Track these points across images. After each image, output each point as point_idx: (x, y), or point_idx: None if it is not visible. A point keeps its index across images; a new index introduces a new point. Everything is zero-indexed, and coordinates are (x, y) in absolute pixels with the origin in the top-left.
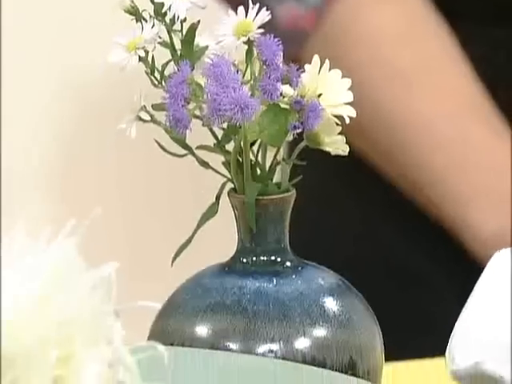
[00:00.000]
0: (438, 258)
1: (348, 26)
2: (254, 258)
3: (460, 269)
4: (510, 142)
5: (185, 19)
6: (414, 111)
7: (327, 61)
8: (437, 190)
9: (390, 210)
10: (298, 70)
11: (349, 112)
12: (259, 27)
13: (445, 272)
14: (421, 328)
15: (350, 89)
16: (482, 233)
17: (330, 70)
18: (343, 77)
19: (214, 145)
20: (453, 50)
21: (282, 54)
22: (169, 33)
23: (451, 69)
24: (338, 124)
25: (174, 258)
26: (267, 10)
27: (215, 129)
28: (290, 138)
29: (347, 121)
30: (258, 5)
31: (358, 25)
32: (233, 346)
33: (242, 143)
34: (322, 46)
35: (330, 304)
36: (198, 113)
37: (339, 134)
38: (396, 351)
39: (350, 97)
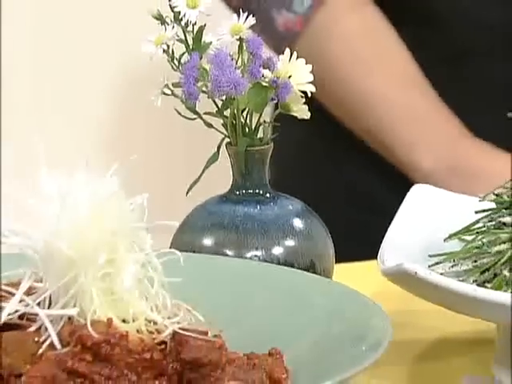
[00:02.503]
0: (390, 185)
1: (327, 28)
2: (244, 191)
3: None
4: (443, 108)
5: (195, 23)
6: (373, 85)
7: (295, 52)
8: (388, 137)
9: (353, 152)
10: (274, 59)
11: (310, 88)
12: (248, 28)
13: (394, 197)
14: (363, 239)
15: (311, 72)
16: (421, 170)
17: (313, 60)
18: (323, 64)
19: (216, 111)
20: (400, 44)
21: (263, 48)
22: (184, 32)
23: (399, 57)
24: (302, 97)
25: (188, 191)
26: (268, 17)
27: (216, 100)
28: (269, 106)
29: (309, 94)
30: (261, 14)
31: (334, 27)
32: (229, 252)
33: (235, 110)
34: (308, 42)
35: (297, 223)
36: (204, 89)
37: (304, 103)
38: (344, 256)
39: (310, 77)
